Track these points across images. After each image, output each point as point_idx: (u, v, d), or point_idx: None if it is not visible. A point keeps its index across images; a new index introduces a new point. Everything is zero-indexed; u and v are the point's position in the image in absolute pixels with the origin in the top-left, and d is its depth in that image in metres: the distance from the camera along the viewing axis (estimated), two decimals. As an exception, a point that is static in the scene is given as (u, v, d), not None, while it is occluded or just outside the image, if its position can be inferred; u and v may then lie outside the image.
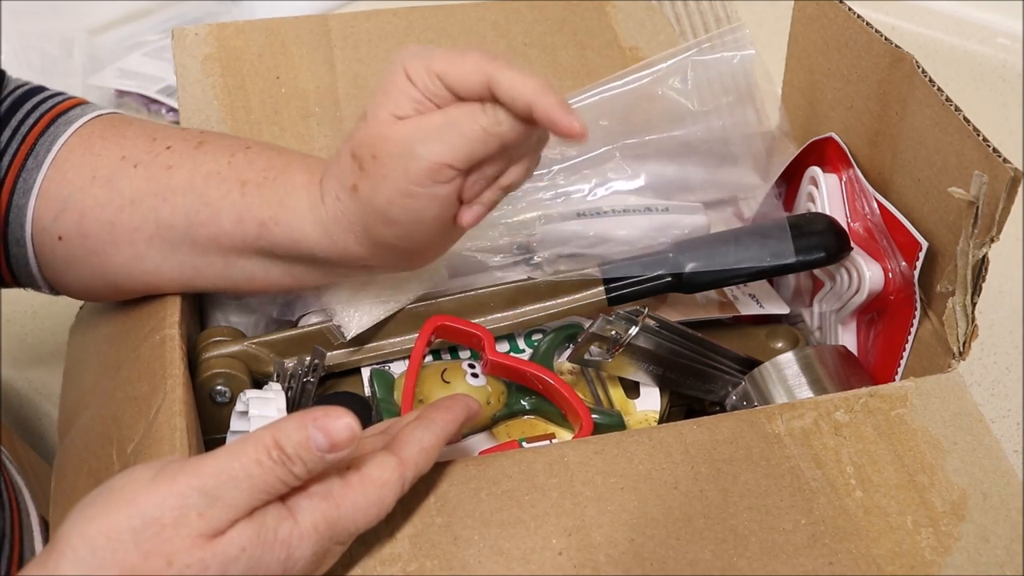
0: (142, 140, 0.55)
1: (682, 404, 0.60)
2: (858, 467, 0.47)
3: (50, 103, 0.56)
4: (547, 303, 0.59)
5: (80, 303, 0.64)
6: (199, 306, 0.61)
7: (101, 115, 0.56)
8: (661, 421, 0.56)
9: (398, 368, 0.58)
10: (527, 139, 0.48)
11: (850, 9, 0.60)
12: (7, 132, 0.54)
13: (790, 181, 0.67)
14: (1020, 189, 0.47)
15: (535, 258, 0.62)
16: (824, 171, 0.63)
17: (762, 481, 0.46)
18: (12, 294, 0.83)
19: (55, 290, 0.57)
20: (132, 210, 0.53)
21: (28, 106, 0.55)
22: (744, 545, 0.44)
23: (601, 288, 0.58)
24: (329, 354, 0.56)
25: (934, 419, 0.49)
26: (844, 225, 0.60)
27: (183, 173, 0.53)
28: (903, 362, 0.57)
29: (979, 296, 0.51)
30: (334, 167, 0.50)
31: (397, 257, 0.51)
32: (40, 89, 0.57)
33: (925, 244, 0.54)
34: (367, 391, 0.57)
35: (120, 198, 0.53)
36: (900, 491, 0.46)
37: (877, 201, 0.59)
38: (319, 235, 0.51)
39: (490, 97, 0.47)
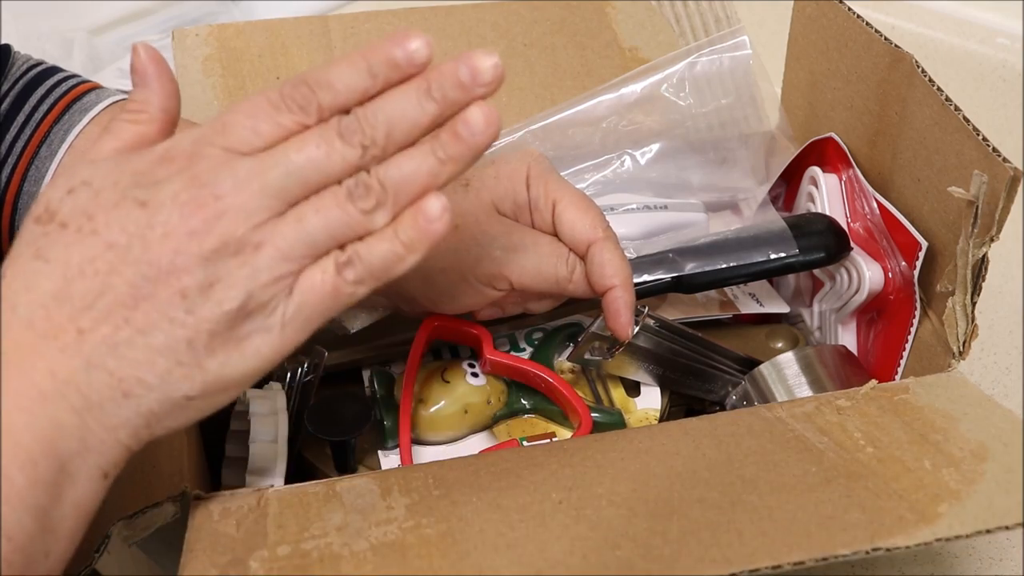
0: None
1: (682, 404, 0.60)
2: (866, 432, 0.45)
3: (63, 87, 0.56)
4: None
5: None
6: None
7: (118, 101, 0.56)
8: (661, 420, 0.56)
9: (398, 368, 0.58)
10: (563, 295, 0.52)
11: (850, 9, 0.60)
12: (20, 117, 0.54)
13: (790, 181, 0.67)
14: (1020, 189, 0.47)
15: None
16: (824, 171, 0.63)
17: (767, 445, 0.45)
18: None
19: None
20: None
21: (41, 91, 0.55)
22: (753, 485, 0.42)
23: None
24: (329, 354, 0.56)
25: (939, 399, 0.48)
26: (844, 225, 0.61)
27: None
28: (903, 362, 0.57)
29: (979, 296, 0.51)
30: None
31: (409, 304, 0.52)
32: (52, 71, 0.57)
33: (925, 244, 0.54)
34: (367, 391, 0.57)
35: None
36: (913, 446, 0.44)
37: (877, 201, 0.59)
38: None
39: (582, 251, 0.50)
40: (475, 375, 0.55)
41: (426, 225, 0.37)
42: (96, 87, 0.57)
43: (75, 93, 0.56)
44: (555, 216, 0.51)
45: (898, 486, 0.42)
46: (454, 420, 0.54)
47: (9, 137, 0.54)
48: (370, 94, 0.37)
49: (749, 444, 0.45)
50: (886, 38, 0.57)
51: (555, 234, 0.51)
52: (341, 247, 0.38)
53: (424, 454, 0.53)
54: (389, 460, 0.53)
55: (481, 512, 0.42)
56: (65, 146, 0.54)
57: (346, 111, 0.37)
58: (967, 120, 0.50)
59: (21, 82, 0.55)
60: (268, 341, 0.37)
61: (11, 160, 0.54)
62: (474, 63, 0.37)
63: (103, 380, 0.36)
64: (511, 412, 0.55)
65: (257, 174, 0.37)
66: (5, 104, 0.54)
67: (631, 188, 0.66)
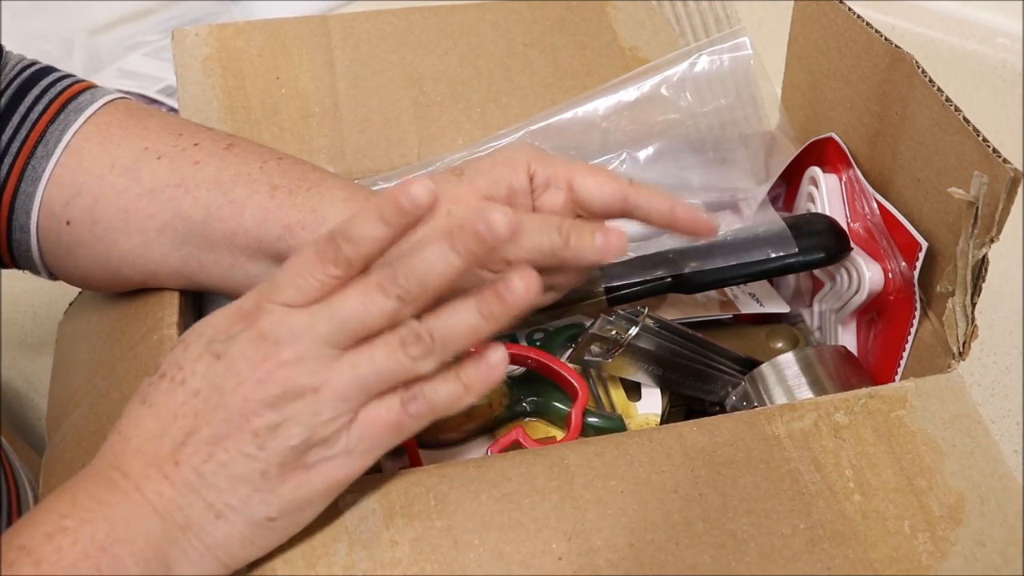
0: (167, 134, 0.55)
1: (682, 404, 0.60)
2: (857, 470, 0.47)
3: (58, 87, 0.56)
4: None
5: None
6: (198, 306, 0.61)
7: (113, 100, 0.56)
8: (662, 422, 0.56)
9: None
10: (576, 263, 0.50)
11: (850, 9, 0.60)
12: (15, 118, 0.54)
13: (790, 181, 0.67)
14: (1020, 189, 0.47)
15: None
16: (824, 171, 0.63)
17: (761, 484, 0.46)
18: (12, 295, 0.83)
19: (53, 275, 0.57)
20: (151, 199, 0.53)
21: (36, 91, 0.55)
22: (743, 550, 0.44)
23: (601, 288, 0.58)
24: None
25: (933, 421, 0.48)
26: (844, 225, 0.60)
27: (210, 170, 0.53)
28: (903, 362, 0.57)
29: (979, 296, 0.51)
30: None
31: None
32: (47, 71, 0.57)
33: (925, 244, 0.54)
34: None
35: (140, 186, 0.53)
36: (898, 495, 0.46)
37: (877, 201, 0.59)
38: None
39: (619, 207, 0.50)
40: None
41: (487, 371, 0.43)
42: (91, 86, 0.57)
43: (70, 93, 0.56)
44: (576, 191, 0.51)
45: (876, 556, 0.44)
46: (457, 422, 0.53)
47: (5, 138, 0.54)
48: (389, 241, 0.41)
49: (745, 483, 0.46)
50: (886, 38, 0.57)
51: (575, 213, 0.52)
52: (406, 385, 0.42)
53: (428, 456, 0.53)
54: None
55: (484, 562, 0.43)
56: (61, 146, 0.54)
57: (376, 253, 0.42)
58: (967, 121, 0.49)
59: (16, 82, 0.55)
60: (334, 466, 0.42)
61: (7, 161, 0.54)
62: (490, 218, 0.40)
63: (199, 503, 0.41)
64: (512, 415, 0.55)
65: (308, 327, 0.41)
66: (0, 105, 0.54)
67: (631, 188, 0.66)
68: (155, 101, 0.99)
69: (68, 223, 0.54)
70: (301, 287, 0.42)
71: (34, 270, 0.57)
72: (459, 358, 0.43)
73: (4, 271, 0.60)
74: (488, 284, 0.42)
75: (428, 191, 0.40)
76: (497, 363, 0.43)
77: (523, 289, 0.41)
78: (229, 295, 0.57)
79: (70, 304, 0.64)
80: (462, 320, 0.41)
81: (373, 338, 0.42)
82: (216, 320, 0.44)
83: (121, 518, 0.40)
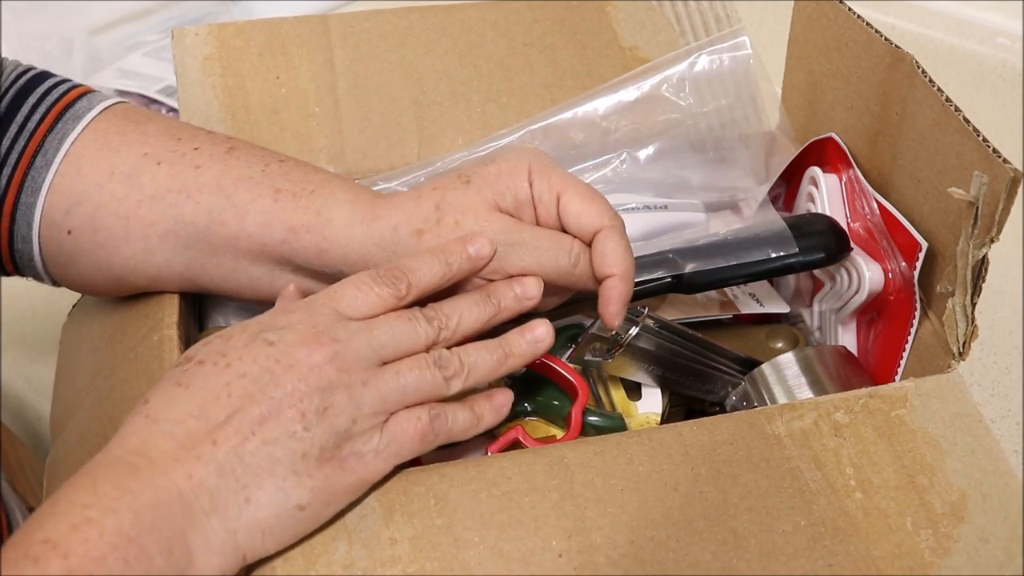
0: (166, 138, 0.55)
1: (682, 404, 0.60)
2: (858, 468, 0.47)
3: (55, 94, 0.56)
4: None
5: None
6: (198, 307, 0.61)
7: (111, 106, 0.56)
8: (662, 422, 0.56)
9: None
10: (576, 287, 0.52)
11: (850, 9, 0.60)
12: (13, 128, 0.54)
13: (790, 181, 0.67)
14: (1020, 189, 0.47)
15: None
16: (824, 171, 0.63)
17: (762, 482, 0.46)
18: (12, 295, 0.83)
19: (57, 282, 0.57)
20: (152, 205, 0.53)
21: (33, 99, 0.55)
22: (744, 547, 0.44)
23: (601, 288, 0.58)
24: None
25: (934, 420, 0.48)
26: (844, 225, 0.61)
27: (212, 174, 0.53)
28: (903, 362, 0.57)
29: (979, 296, 0.51)
30: (408, 203, 0.52)
31: None
32: (42, 77, 0.57)
33: (925, 244, 0.54)
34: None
35: (140, 193, 0.53)
36: (900, 492, 0.46)
37: (877, 201, 0.59)
38: (353, 250, 0.52)
39: (589, 239, 0.51)
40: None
41: (495, 408, 0.49)
42: (87, 91, 0.57)
43: (67, 100, 0.55)
44: (560, 208, 0.51)
45: (878, 553, 0.44)
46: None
47: (3, 148, 0.53)
48: (446, 280, 0.49)
49: (746, 481, 0.46)
50: (886, 38, 0.57)
51: (561, 227, 0.51)
52: (432, 405, 0.46)
53: (428, 456, 0.53)
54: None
55: (484, 560, 0.43)
56: (60, 156, 0.54)
57: (428, 290, 0.48)
58: (967, 121, 0.50)
59: (12, 90, 0.55)
60: (364, 464, 0.44)
61: (6, 171, 0.53)
62: (525, 286, 0.50)
63: (230, 486, 0.42)
64: (513, 415, 0.55)
65: (365, 330, 0.45)
66: None
67: (631, 188, 0.66)
68: (155, 101, 0.99)
69: (69, 232, 0.54)
70: (359, 299, 0.46)
71: (37, 278, 0.57)
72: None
73: (4, 272, 0.59)
74: (514, 330, 0.49)
75: (489, 244, 0.49)
76: (502, 403, 0.49)
77: (544, 334, 0.49)
78: (232, 297, 0.58)
79: (73, 306, 0.64)
80: (489, 355, 0.48)
81: (411, 357, 0.46)
82: (259, 318, 0.47)
83: (145, 506, 0.40)
